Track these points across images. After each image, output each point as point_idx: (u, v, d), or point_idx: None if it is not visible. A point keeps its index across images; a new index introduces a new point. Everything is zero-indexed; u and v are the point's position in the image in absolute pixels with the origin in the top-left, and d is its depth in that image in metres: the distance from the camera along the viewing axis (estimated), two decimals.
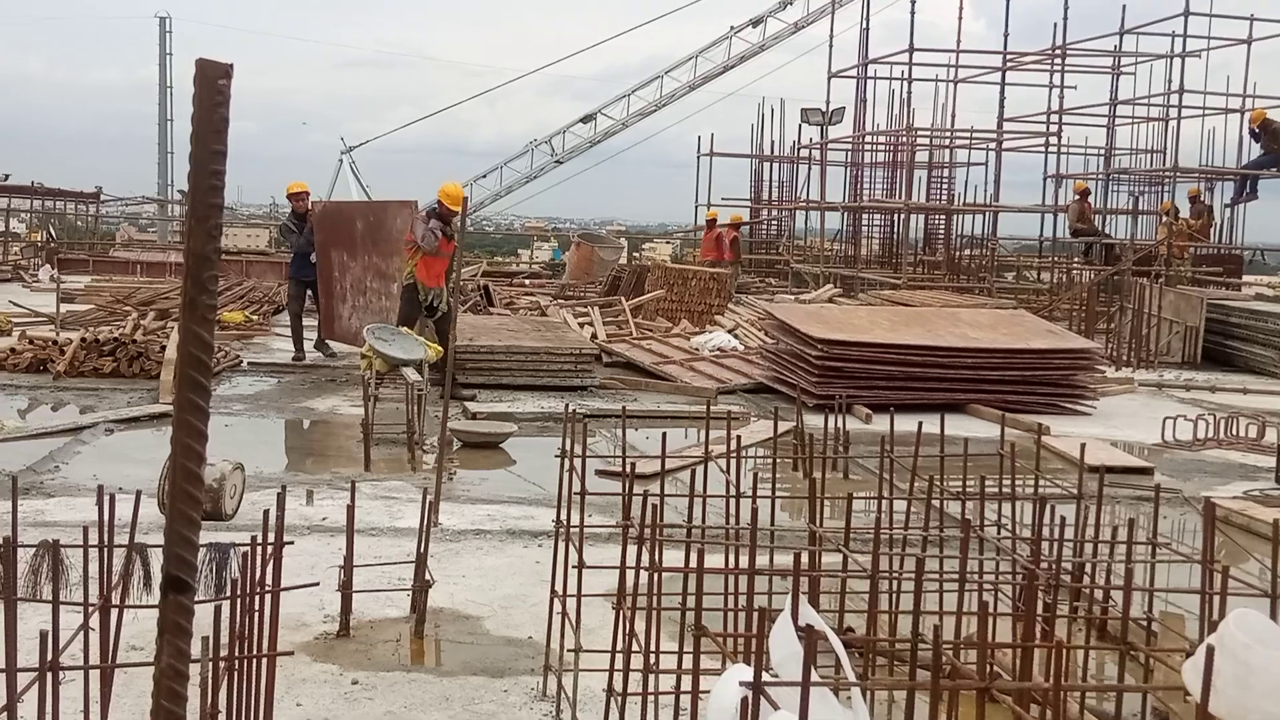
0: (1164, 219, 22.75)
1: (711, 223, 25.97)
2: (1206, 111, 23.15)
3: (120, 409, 10.94)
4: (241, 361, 14.37)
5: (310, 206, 15.59)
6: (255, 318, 19.02)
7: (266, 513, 3.94)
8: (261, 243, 34.80)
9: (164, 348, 12.86)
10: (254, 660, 3.47)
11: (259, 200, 68.26)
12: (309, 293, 15.50)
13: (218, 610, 3.21)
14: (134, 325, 14.41)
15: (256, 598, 3.58)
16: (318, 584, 4.92)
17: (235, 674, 3.33)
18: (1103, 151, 25.89)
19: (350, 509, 5.20)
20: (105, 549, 3.81)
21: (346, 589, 5.33)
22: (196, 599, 1.85)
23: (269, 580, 3.72)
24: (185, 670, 1.77)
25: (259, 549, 3.73)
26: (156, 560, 4.04)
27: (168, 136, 47.65)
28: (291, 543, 4.20)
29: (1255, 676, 2.03)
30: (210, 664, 3.03)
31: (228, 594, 3.66)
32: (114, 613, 3.82)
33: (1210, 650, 2.11)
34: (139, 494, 4.18)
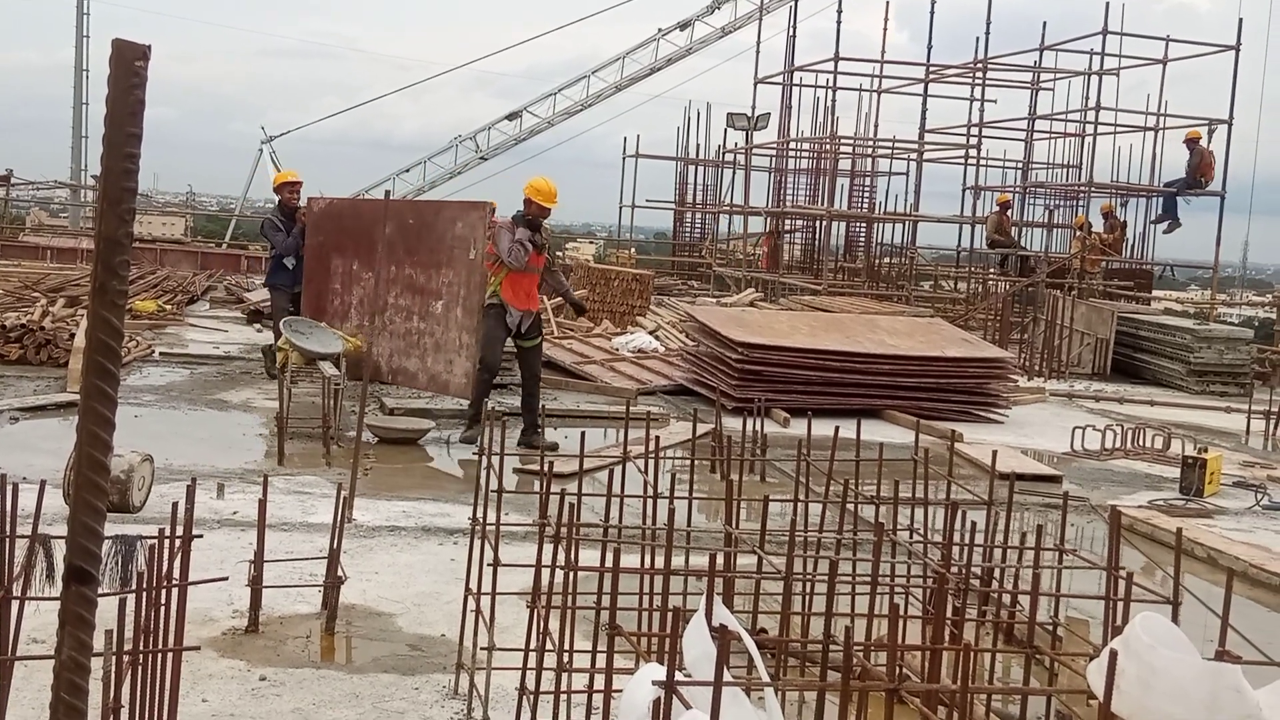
0: (1078, 233, 23.22)
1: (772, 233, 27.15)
2: (1120, 129, 23.66)
3: (26, 397, 10.68)
4: (153, 352, 14.10)
5: (301, 202, 12.95)
6: (169, 307, 18.67)
7: (175, 505, 3.87)
8: (177, 231, 34.15)
9: (73, 335, 12.58)
10: (159, 655, 3.40)
11: (176, 188, 67.13)
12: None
13: (123, 603, 3.15)
14: (42, 312, 14.08)
15: (163, 591, 3.51)
16: (227, 578, 4.84)
17: (139, 668, 3.26)
18: (1020, 165, 26.36)
19: (262, 503, 5.13)
20: (7, 539, 3.71)
21: (256, 584, 5.26)
22: (101, 591, 1.81)
23: (176, 574, 3.65)
24: (87, 663, 1.73)
25: (167, 542, 3.66)
26: (60, 551, 3.95)
27: (83, 120, 46.59)
28: (200, 536, 4.13)
29: (1157, 678, 2.07)
30: (114, 658, 2.97)
31: (133, 587, 3.58)
32: (14, 604, 3.73)
33: (1114, 652, 2.15)
34: (43, 483, 4.08)
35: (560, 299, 12.00)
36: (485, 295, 10.34)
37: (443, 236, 11.38)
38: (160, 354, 14.12)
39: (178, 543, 3.73)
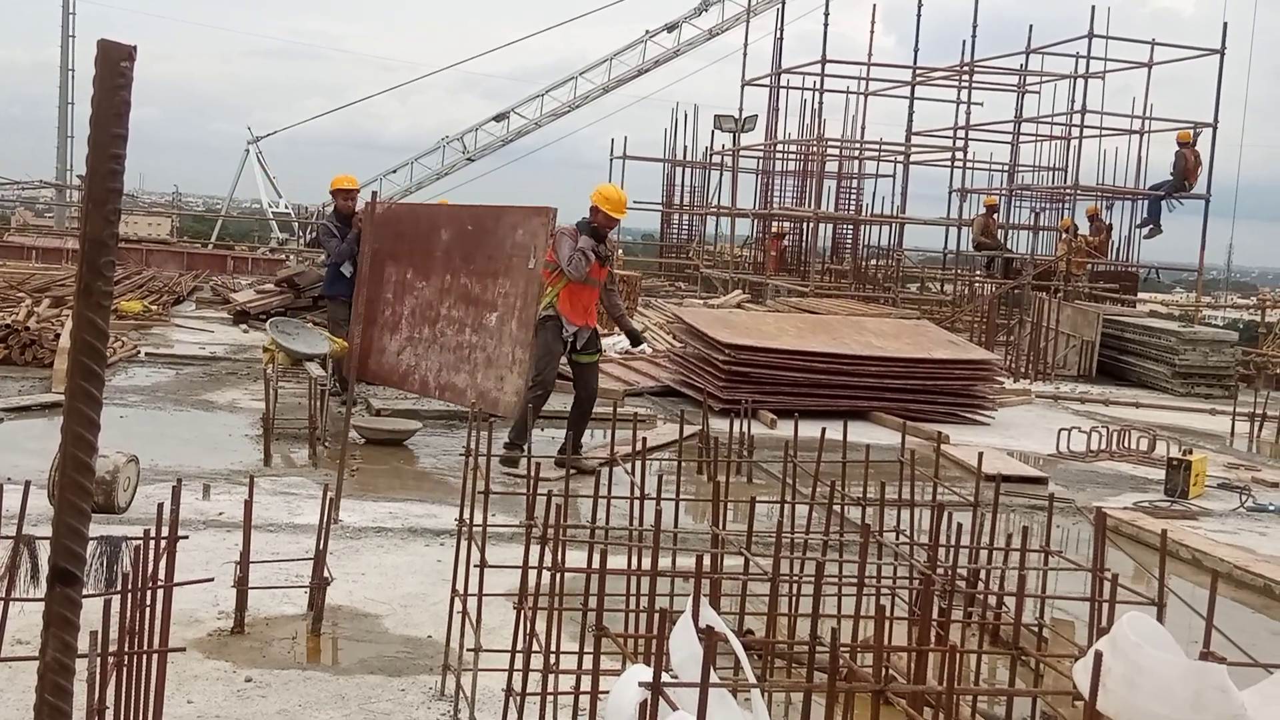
0: (1063, 235, 23.30)
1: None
2: (1106, 132, 23.75)
3: (11, 397, 10.64)
4: (139, 352, 14.06)
5: (357, 208, 12.10)
6: (155, 308, 18.61)
7: (161, 506, 3.86)
8: (163, 231, 34.07)
9: (58, 335, 12.53)
10: (144, 656, 3.39)
11: (162, 188, 66.88)
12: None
13: (108, 605, 3.14)
14: (27, 312, 14.02)
15: (148, 593, 3.50)
16: (212, 579, 4.82)
17: (124, 670, 3.25)
18: (1006, 168, 26.44)
19: (248, 504, 5.11)
20: None
21: (242, 585, 5.24)
22: (86, 593, 1.81)
23: (162, 575, 3.64)
24: (71, 665, 1.72)
25: (152, 543, 3.65)
26: (45, 552, 3.93)
27: (68, 120, 46.43)
28: (186, 537, 4.12)
29: (1143, 677, 2.08)
30: (99, 659, 2.96)
31: (118, 588, 3.57)
32: None
33: (1100, 652, 2.16)
34: (28, 484, 4.07)
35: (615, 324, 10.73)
36: (539, 307, 9.41)
37: (502, 244, 10.25)
38: (146, 354, 14.07)
39: (163, 544, 3.72)
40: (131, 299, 18.49)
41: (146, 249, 28.50)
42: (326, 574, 5.38)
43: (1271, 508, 9.58)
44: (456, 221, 11.04)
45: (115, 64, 1.64)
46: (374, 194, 9.87)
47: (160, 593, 3.58)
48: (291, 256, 27.86)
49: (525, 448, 7.85)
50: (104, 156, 1.66)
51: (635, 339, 10.53)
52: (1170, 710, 2.04)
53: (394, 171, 41.68)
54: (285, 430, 9.66)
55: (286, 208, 44.93)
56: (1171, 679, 2.05)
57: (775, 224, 27.86)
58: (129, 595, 3.35)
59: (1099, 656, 2.14)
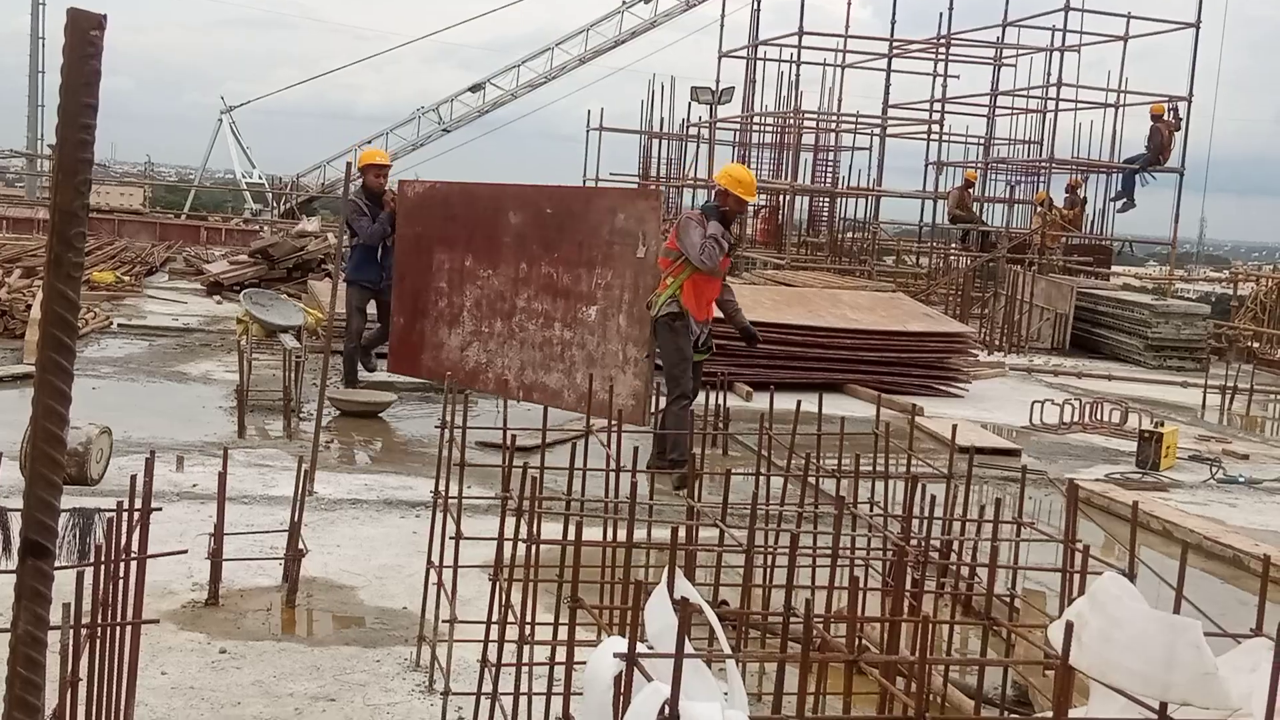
0: (1038, 209, 23.37)
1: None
2: (1081, 105, 23.80)
3: None
4: (112, 323, 13.97)
5: (390, 188, 11.21)
6: (127, 279, 18.49)
7: (134, 478, 3.84)
8: (135, 201, 33.79)
9: (29, 307, 12.43)
10: (117, 628, 3.38)
11: (134, 158, 66.30)
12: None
13: (81, 576, 3.12)
14: None
15: (122, 564, 3.49)
16: (186, 551, 4.81)
17: (98, 642, 3.24)
18: (982, 141, 26.47)
19: (222, 476, 5.10)
20: None
21: (216, 557, 5.24)
22: (59, 565, 1.80)
23: (135, 547, 3.63)
24: (43, 637, 1.72)
25: (125, 515, 3.63)
26: (17, 524, 3.91)
27: (38, 89, 45.92)
28: (160, 509, 4.10)
29: (1118, 630, 2.09)
30: (71, 631, 2.95)
31: (91, 560, 3.55)
32: None
33: (1077, 608, 2.18)
34: None
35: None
36: (659, 303, 8.40)
37: (596, 229, 9.28)
38: (119, 325, 13.99)
39: (136, 515, 3.70)
40: (104, 270, 18.36)
41: (119, 219, 28.27)
42: (301, 546, 5.37)
43: (1241, 479, 9.68)
44: (530, 204, 9.98)
45: (85, 33, 1.62)
46: (348, 165, 9.66)
47: (134, 565, 3.57)
48: (265, 227, 27.66)
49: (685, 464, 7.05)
50: (74, 126, 1.64)
51: (751, 338, 9.05)
52: (1144, 665, 2.06)
53: (369, 142, 41.27)
54: (259, 402, 9.62)
55: (260, 178, 44.62)
56: (1147, 633, 2.07)
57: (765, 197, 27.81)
58: (102, 567, 3.33)
59: (1077, 614, 2.17)
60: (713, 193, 8.54)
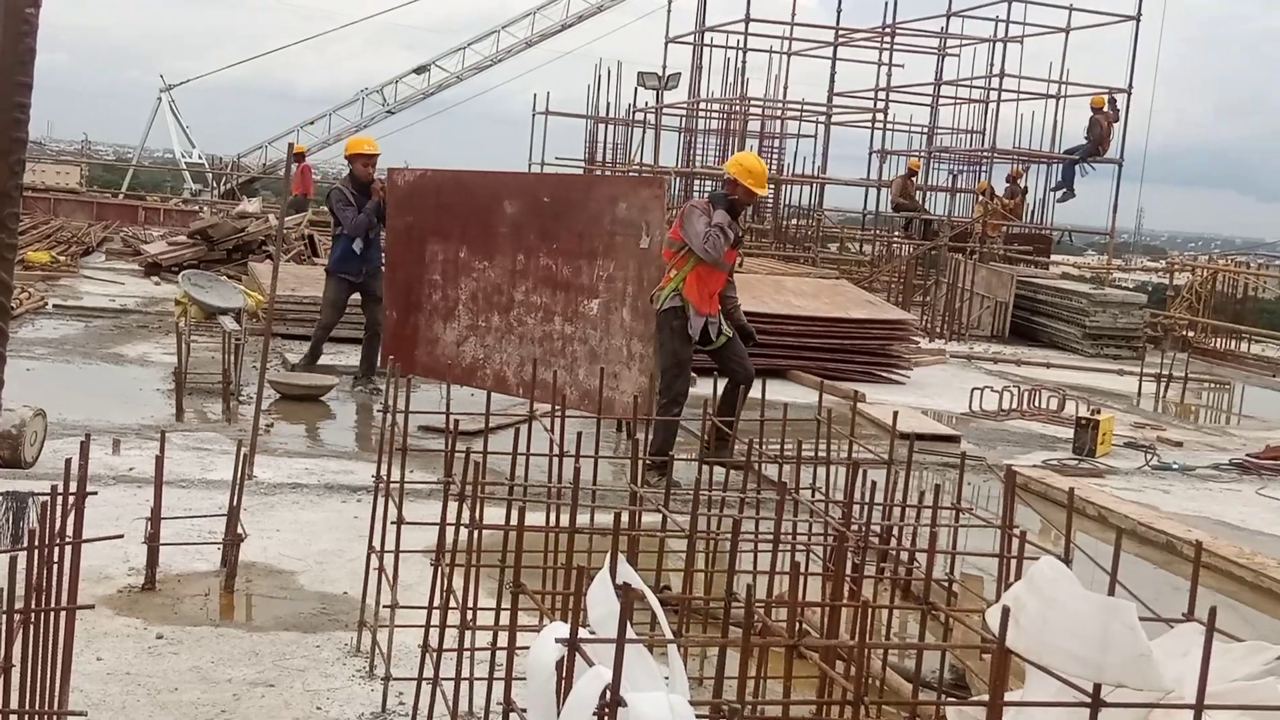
0: (980, 198, 23.61)
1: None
2: (1023, 96, 24.05)
3: None
4: (47, 304, 13.74)
5: (378, 177, 10.74)
6: (63, 258, 18.18)
7: (69, 461, 3.78)
8: (72, 180, 33.15)
9: None
10: (52, 613, 3.33)
11: (71, 136, 65.07)
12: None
13: (14, 561, 3.08)
14: None
15: (56, 549, 3.43)
16: (122, 536, 4.74)
17: (31, 627, 3.19)
18: (925, 130, 26.69)
19: (159, 459, 5.03)
20: None
21: (153, 541, 5.17)
22: None
23: (70, 531, 3.57)
24: None
25: (60, 498, 3.57)
26: None
27: None
28: (95, 493, 4.04)
29: (1055, 612, 2.12)
30: (4, 617, 2.91)
31: (25, 545, 3.50)
32: None
33: (1014, 591, 2.21)
34: None
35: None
36: (661, 296, 8.08)
37: (598, 219, 8.87)
38: (54, 306, 13.76)
39: (71, 499, 3.65)
40: (38, 249, 18.04)
41: (54, 198, 27.79)
42: (240, 530, 5.32)
43: (1175, 466, 9.85)
44: (526, 192, 9.56)
45: (20, 11, 1.60)
46: (290, 145, 9.49)
47: (68, 549, 3.51)
48: (205, 208, 27.30)
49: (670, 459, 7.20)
50: (8, 105, 1.62)
51: (748, 336, 8.70)
52: (1080, 646, 2.08)
53: (311, 123, 40.96)
54: (198, 385, 9.51)
55: (200, 158, 44.00)
56: (1082, 615, 2.09)
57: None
58: (36, 552, 3.28)
59: (1014, 597, 2.19)
60: (720, 182, 8.23)
